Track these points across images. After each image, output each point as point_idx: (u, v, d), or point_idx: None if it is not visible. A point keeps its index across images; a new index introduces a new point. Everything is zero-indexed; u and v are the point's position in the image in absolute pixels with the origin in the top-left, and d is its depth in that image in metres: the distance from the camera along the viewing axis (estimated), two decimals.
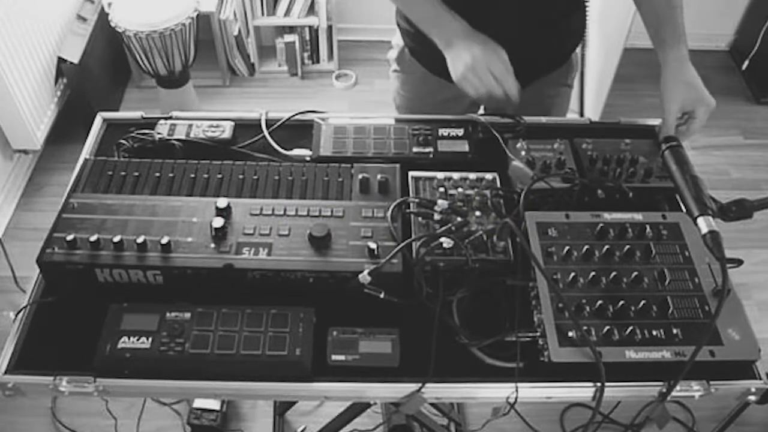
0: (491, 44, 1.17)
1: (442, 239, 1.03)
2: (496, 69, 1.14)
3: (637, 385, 0.95)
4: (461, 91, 1.19)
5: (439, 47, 1.21)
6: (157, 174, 1.14)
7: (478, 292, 1.03)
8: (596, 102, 2.78)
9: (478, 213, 1.10)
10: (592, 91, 2.74)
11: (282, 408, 1.96)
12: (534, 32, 1.30)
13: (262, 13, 3.02)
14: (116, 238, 1.00)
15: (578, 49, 1.48)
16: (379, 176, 1.14)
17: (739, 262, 1.01)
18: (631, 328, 0.94)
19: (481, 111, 1.50)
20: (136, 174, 1.14)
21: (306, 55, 3.19)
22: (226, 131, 1.28)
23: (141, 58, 2.57)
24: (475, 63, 1.14)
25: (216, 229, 1.02)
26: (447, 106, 1.42)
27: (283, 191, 1.13)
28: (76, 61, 2.56)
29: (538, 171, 1.16)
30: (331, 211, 1.07)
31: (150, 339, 0.94)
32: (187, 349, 0.93)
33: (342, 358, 0.95)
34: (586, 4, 1.36)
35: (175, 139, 1.24)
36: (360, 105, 3.06)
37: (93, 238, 1.00)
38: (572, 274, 1.00)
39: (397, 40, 1.49)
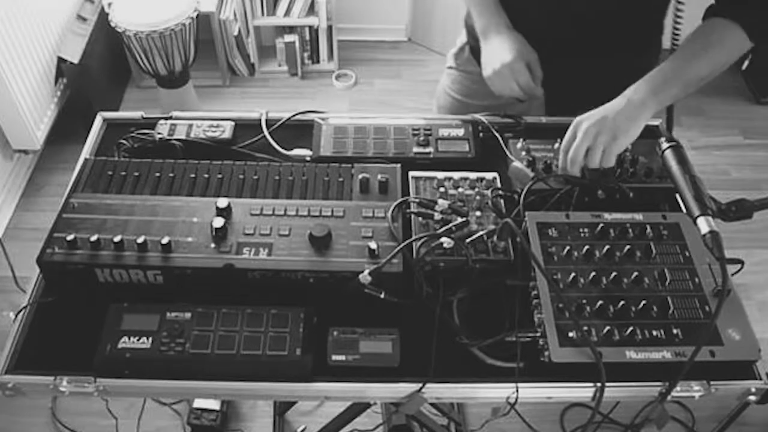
0: (524, 48, 1.15)
1: (443, 239, 1.03)
2: (522, 79, 1.14)
3: (638, 385, 0.95)
4: (507, 100, 1.18)
5: (478, 36, 1.20)
6: (158, 174, 1.14)
7: (479, 292, 1.03)
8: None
9: (478, 213, 1.10)
10: None
11: (282, 408, 1.96)
12: (595, 63, 1.23)
13: (262, 13, 3.02)
14: (116, 238, 1.00)
15: None
16: (379, 176, 1.14)
17: (740, 263, 1.01)
18: (631, 328, 0.94)
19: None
20: (137, 174, 1.14)
21: (306, 55, 3.19)
22: (226, 131, 1.28)
23: (141, 58, 2.57)
24: (503, 68, 1.15)
25: (216, 229, 1.02)
26: (492, 110, 1.37)
27: (284, 191, 1.13)
28: (76, 61, 2.56)
29: (538, 171, 1.16)
30: (332, 211, 1.07)
31: (150, 339, 0.94)
32: (188, 349, 0.93)
33: (342, 358, 0.95)
34: (660, 41, 1.32)
35: (175, 139, 1.24)
36: (360, 105, 3.06)
37: (93, 238, 1.00)
38: (572, 274, 1.00)
39: (462, 38, 1.49)
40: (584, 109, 1.10)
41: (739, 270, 1.02)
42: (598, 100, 1.11)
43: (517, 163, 1.16)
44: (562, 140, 1.20)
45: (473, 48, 1.44)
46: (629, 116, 1.05)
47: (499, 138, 1.24)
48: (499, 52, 1.15)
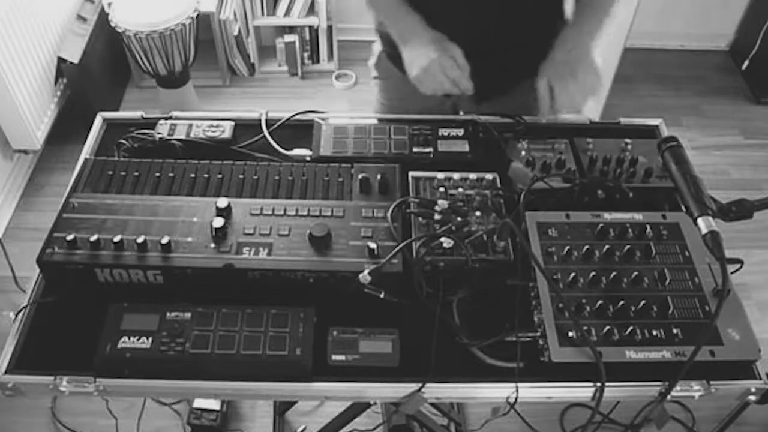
0: (446, 44, 1.16)
1: (442, 239, 1.03)
2: (451, 73, 1.15)
3: (637, 385, 0.95)
4: (437, 99, 1.20)
5: (397, 44, 1.22)
6: (157, 174, 1.14)
7: (478, 292, 1.03)
8: (596, 102, 2.78)
9: (478, 213, 1.10)
10: None
11: (282, 408, 1.96)
12: (510, 40, 1.28)
13: (262, 13, 3.02)
14: (116, 238, 1.00)
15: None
16: (379, 176, 1.14)
17: (740, 263, 1.01)
18: (631, 328, 0.94)
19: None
20: (136, 174, 1.14)
21: (306, 55, 3.19)
22: (226, 131, 1.28)
23: (141, 58, 2.57)
24: (430, 65, 1.15)
25: (216, 229, 1.02)
26: (426, 111, 1.39)
27: (283, 191, 1.13)
28: (76, 61, 2.56)
29: (538, 171, 1.16)
30: (331, 211, 1.07)
31: (150, 339, 0.94)
32: (188, 349, 0.93)
33: (342, 358, 0.95)
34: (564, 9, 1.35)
35: (175, 139, 1.24)
36: (360, 105, 3.06)
37: (93, 238, 1.00)
38: (572, 274, 1.00)
39: (377, 47, 1.51)
40: (509, 90, 1.33)
41: (738, 269, 1.02)
42: (521, 78, 1.28)
43: (516, 164, 1.16)
44: (563, 140, 1.21)
45: (389, 54, 1.45)
46: (578, 57, 1.16)
47: (499, 138, 1.24)
48: (423, 51, 1.16)
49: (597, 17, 1.23)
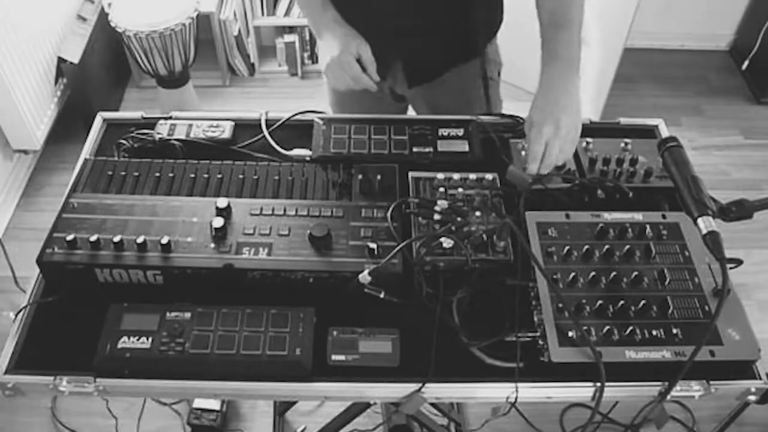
0: (352, 40, 1.17)
1: (442, 239, 1.03)
2: (351, 72, 1.16)
3: (637, 385, 0.95)
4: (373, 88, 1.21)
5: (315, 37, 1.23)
6: (157, 174, 1.14)
7: (478, 292, 1.03)
8: (596, 102, 2.78)
9: (478, 213, 1.10)
10: (592, 90, 2.75)
11: (282, 408, 1.96)
12: (431, 21, 1.30)
13: (262, 13, 3.02)
14: (116, 238, 1.00)
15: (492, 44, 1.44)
16: (379, 176, 1.14)
17: (739, 262, 1.01)
18: (631, 328, 0.94)
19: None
20: (136, 174, 1.14)
21: (306, 55, 3.19)
22: (226, 131, 1.28)
23: (141, 58, 2.57)
24: (332, 61, 1.17)
25: (216, 229, 1.02)
26: (370, 105, 1.40)
27: (283, 191, 1.13)
28: (76, 61, 2.56)
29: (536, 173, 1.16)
30: (331, 211, 1.07)
31: (150, 339, 0.94)
32: (187, 349, 0.93)
33: (342, 358, 0.95)
34: None
35: (175, 139, 1.24)
36: None
37: (93, 238, 1.00)
38: (572, 274, 1.00)
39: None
40: (442, 73, 1.36)
41: (736, 267, 1.02)
42: (453, 62, 1.36)
43: (514, 168, 1.15)
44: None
45: None
46: (567, 104, 1.09)
47: (497, 141, 1.24)
48: (329, 47, 1.18)
49: (569, 35, 1.13)
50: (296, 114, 1.32)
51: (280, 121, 1.31)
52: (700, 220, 0.96)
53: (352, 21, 1.23)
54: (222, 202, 1.06)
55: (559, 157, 1.09)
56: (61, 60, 2.57)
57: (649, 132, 1.33)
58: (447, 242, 1.03)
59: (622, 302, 0.97)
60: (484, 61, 1.42)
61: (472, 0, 1.30)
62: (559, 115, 1.08)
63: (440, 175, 1.17)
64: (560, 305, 0.96)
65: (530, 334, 0.97)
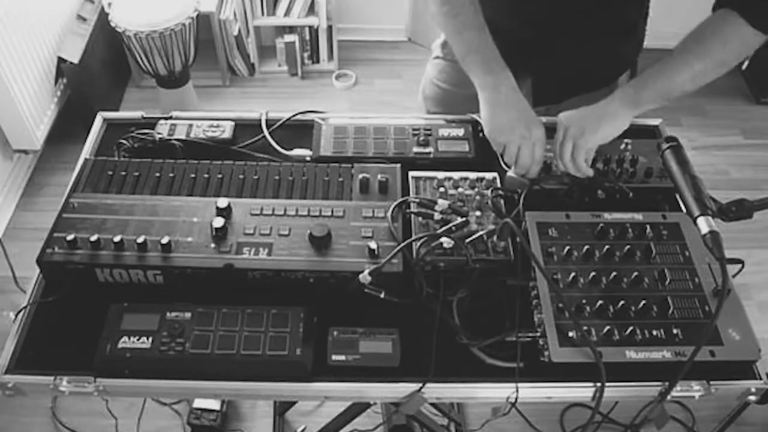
0: (531, 124, 1.11)
1: (442, 239, 1.03)
2: (524, 160, 1.10)
3: (638, 385, 0.95)
4: None
5: (475, 84, 1.16)
6: (157, 174, 1.14)
7: (479, 292, 1.03)
8: None
9: (478, 213, 1.10)
10: None
11: (282, 408, 1.96)
12: (579, 48, 1.27)
13: (262, 13, 3.02)
14: (116, 238, 1.00)
15: (625, 76, 1.41)
16: (379, 176, 1.14)
17: (740, 263, 1.01)
18: (631, 328, 0.94)
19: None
20: (136, 174, 1.14)
21: (306, 55, 3.19)
22: (226, 131, 1.28)
23: (141, 58, 2.57)
24: (510, 146, 1.11)
25: (216, 229, 1.02)
26: (476, 102, 1.35)
27: (284, 191, 1.13)
28: (76, 61, 2.56)
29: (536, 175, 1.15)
30: (332, 211, 1.07)
31: (150, 339, 0.94)
32: (188, 349, 0.93)
33: (342, 358, 0.95)
34: (644, 30, 1.35)
35: (175, 139, 1.24)
36: (360, 105, 3.06)
37: (93, 238, 1.00)
38: (572, 274, 1.00)
39: None
40: (569, 97, 1.24)
41: (739, 271, 1.02)
42: (582, 88, 1.26)
43: (511, 173, 1.15)
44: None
45: None
46: (600, 115, 1.10)
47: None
48: (509, 125, 1.10)
49: (663, 84, 1.09)
50: (296, 114, 1.32)
51: (281, 121, 1.31)
52: (700, 220, 0.96)
53: (496, 24, 1.17)
54: (222, 202, 1.06)
55: (563, 153, 1.10)
56: (61, 60, 2.57)
57: (649, 132, 1.33)
58: (447, 242, 1.03)
59: (622, 302, 0.97)
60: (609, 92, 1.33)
61: (625, 33, 1.30)
62: (584, 111, 1.10)
63: (440, 175, 1.17)
64: (560, 305, 0.96)
65: (530, 334, 0.97)
